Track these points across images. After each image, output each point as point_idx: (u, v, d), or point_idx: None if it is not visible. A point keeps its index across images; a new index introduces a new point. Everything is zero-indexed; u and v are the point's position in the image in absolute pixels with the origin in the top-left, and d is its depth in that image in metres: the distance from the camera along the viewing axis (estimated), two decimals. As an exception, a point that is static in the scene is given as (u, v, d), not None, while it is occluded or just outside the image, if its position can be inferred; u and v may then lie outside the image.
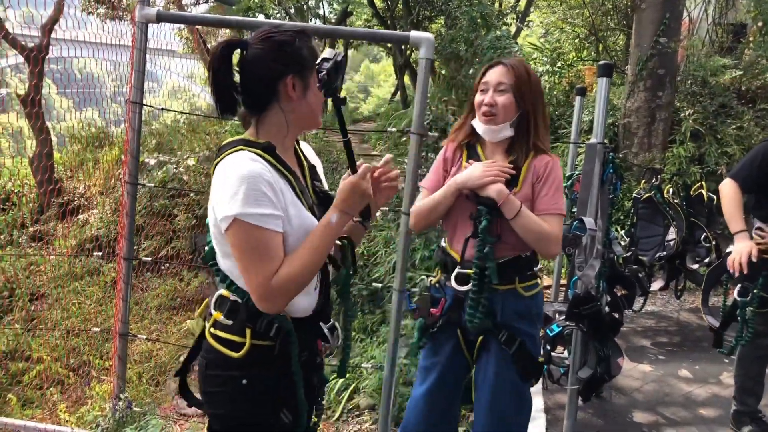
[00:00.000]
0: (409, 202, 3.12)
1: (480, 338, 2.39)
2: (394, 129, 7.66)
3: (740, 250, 3.18)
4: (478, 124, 2.36)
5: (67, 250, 8.63)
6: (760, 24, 7.84)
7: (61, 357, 6.61)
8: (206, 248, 1.82)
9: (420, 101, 3.05)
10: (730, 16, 9.31)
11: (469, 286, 2.32)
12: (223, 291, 1.78)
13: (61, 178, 10.58)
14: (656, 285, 5.22)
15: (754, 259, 3.14)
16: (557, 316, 3.82)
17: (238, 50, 1.73)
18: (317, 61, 1.74)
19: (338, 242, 1.87)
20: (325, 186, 1.98)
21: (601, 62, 3.17)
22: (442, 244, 2.53)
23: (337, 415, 4.18)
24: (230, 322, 1.75)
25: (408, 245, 3.14)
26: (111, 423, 3.29)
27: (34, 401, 6.07)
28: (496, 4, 13.86)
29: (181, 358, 6.95)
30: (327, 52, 1.74)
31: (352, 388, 4.45)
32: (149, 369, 6.51)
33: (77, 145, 11.33)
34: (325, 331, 1.86)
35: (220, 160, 1.70)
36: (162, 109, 5.01)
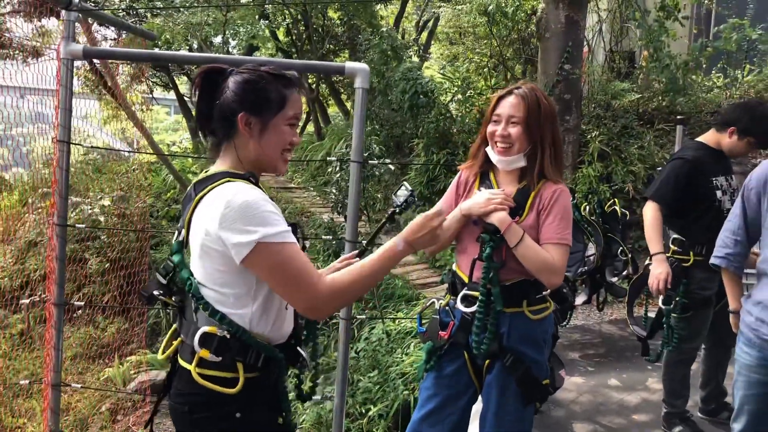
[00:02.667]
0: (352, 230, 3.14)
1: (486, 362, 2.42)
2: (333, 158, 7.67)
3: (657, 276, 3.42)
4: (493, 155, 2.42)
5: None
6: (650, 50, 8.41)
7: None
8: (187, 284, 1.75)
9: (358, 130, 3.08)
10: (624, 45, 9.96)
11: (475, 308, 2.36)
12: (207, 328, 1.72)
13: (-46, 228, 9.92)
14: (580, 299, 5.41)
15: (668, 286, 3.40)
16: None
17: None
18: (397, 190, 2.04)
19: None
20: None
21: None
22: (453, 267, 2.57)
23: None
24: (219, 359, 1.72)
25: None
26: (47, 481, 3.08)
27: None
28: (399, 37, 14.21)
29: (103, 408, 6.62)
30: (405, 187, 2.11)
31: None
32: (68, 423, 6.16)
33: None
34: (304, 354, 1.87)
35: (208, 191, 1.69)
36: (92, 147, 4.83)
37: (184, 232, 1.79)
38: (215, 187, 1.68)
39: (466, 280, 2.44)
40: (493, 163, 2.46)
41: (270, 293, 1.74)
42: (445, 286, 2.77)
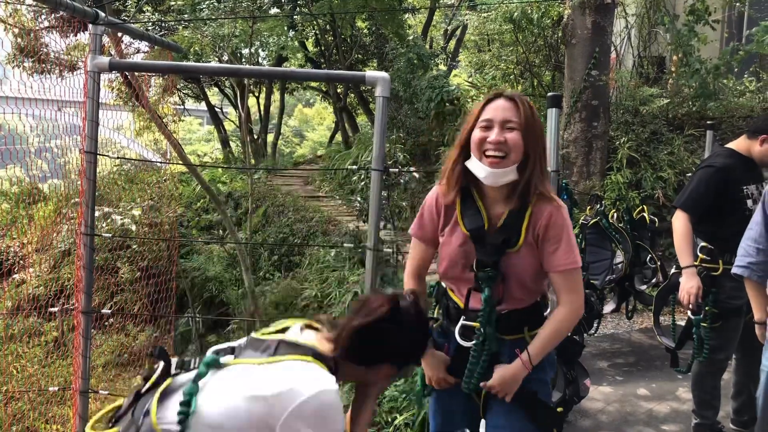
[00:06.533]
0: (374, 238, 3.14)
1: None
2: (355, 167, 7.72)
3: (688, 290, 3.35)
4: (480, 167, 2.02)
5: (1, 311, 8.25)
6: (680, 55, 8.30)
7: (0, 425, 6.27)
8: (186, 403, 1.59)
9: (379, 138, 3.08)
10: (653, 50, 9.84)
11: (473, 343, 2.12)
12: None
13: (-9, 238, 10.18)
14: (608, 307, 5.35)
15: (699, 300, 3.34)
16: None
17: None
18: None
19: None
20: None
21: (550, 94, 3.31)
22: (444, 285, 2.30)
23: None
24: None
25: (375, 280, 3.15)
26: (75, 487, 3.13)
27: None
28: (427, 46, 14.26)
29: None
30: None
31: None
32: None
33: (6, 203, 10.95)
34: None
35: (286, 360, 1.62)
36: (118, 158, 4.93)
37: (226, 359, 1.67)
38: (292, 360, 1.59)
39: (461, 305, 2.18)
40: (475, 179, 2.08)
41: None
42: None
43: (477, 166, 2.03)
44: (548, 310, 2.34)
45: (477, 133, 2.02)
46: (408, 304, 1.79)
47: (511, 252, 2.06)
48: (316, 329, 1.78)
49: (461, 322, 2.17)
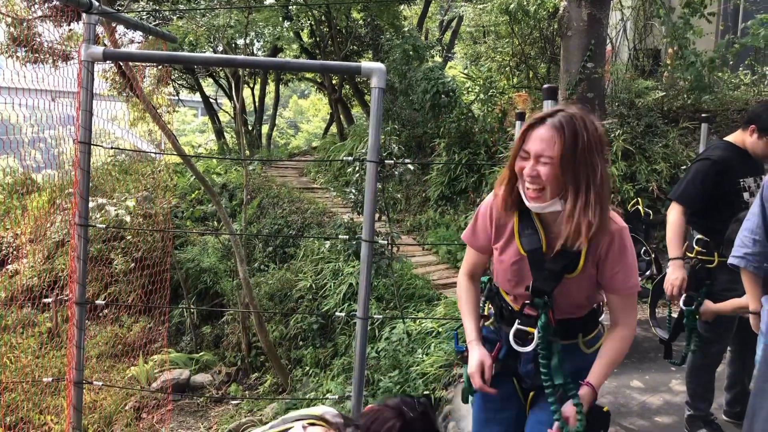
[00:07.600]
0: (369, 230, 3.14)
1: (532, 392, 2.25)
2: (350, 158, 7.70)
3: (672, 281, 3.39)
4: (524, 197, 2.00)
5: (-5, 302, 8.24)
6: (675, 48, 8.30)
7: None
8: None
9: (374, 130, 3.08)
10: (648, 42, 9.84)
11: (530, 348, 2.10)
12: None
13: (-15, 228, 10.15)
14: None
15: (683, 293, 3.37)
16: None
17: None
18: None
19: None
20: None
21: (546, 86, 3.30)
22: (495, 283, 2.26)
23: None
24: None
25: (370, 272, 3.14)
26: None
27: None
28: (423, 37, 14.24)
29: (127, 406, 6.78)
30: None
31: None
32: (94, 421, 6.26)
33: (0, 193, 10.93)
34: None
35: None
36: (112, 148, 4.91)
37: None
38: None
39: (516, 308, 2.17)
40: None
41: None
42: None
43: (523, 195, 2.00)
44: (603, 315, 2.27)
45: (518, 162, 1.98)
46: (417, 417, 1.75)
47: (569, 277, 2.03)
48: (320, 425, 1.76)
49: (516, 326, 2.14)
